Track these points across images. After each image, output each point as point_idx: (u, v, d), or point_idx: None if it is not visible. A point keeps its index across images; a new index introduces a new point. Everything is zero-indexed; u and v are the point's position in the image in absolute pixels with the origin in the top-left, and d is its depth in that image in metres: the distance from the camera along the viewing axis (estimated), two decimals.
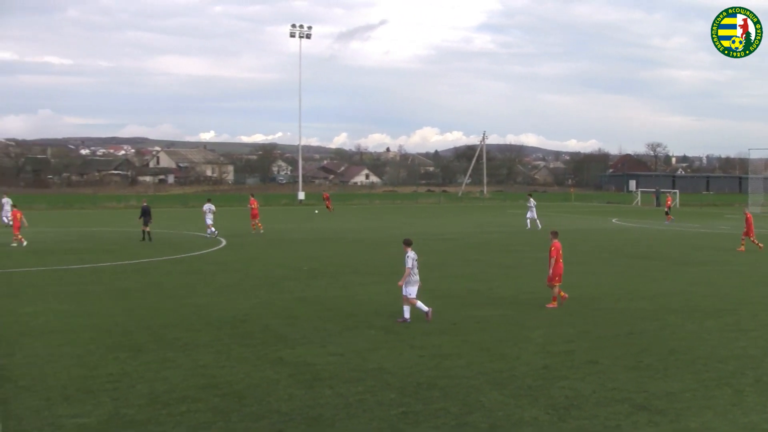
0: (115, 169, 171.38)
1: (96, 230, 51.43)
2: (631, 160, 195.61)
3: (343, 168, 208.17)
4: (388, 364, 15.06)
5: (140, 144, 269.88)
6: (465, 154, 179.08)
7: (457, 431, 11.29)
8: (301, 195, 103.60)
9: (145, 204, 43.63)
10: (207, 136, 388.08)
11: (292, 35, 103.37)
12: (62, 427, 11.27)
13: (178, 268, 31.03)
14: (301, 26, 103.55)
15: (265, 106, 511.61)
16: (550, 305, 21.54)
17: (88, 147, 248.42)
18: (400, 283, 19.42)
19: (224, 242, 41.72)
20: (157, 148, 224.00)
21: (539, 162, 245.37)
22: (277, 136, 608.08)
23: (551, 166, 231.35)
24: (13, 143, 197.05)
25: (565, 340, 17.40)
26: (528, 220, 53.69)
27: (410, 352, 16.11)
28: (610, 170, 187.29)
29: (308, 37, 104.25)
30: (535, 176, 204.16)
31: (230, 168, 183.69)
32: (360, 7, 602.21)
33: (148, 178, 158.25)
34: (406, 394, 13.02)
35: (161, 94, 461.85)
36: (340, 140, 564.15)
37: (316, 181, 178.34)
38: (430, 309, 19.45)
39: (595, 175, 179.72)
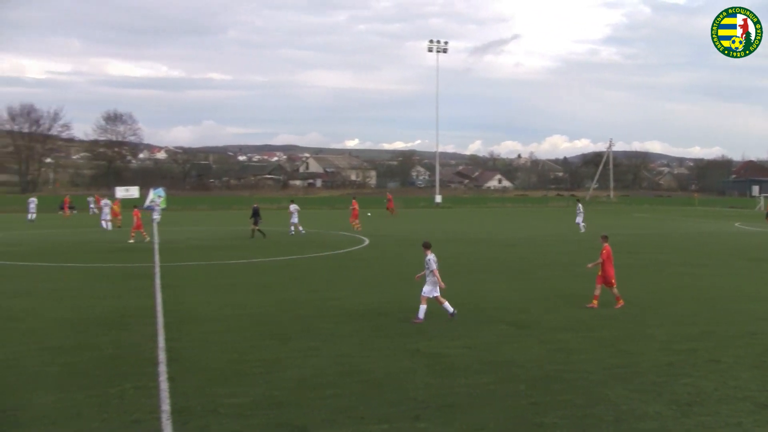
0: (269, 174, 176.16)
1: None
2: (754, 166, 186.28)
3: (477, 173, 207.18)
4: (518, 357, 14.96)
5: (291, 151, 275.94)
6: (592, 160, 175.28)
7: (582, 422, 11.13)
8: (438, 198, 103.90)
9: (255, 206, 45.42)
10: (352, 144, 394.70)
11: (430, 50, 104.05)
12: (221, 405, 11.72)
13: (324, 264, 31.64)
14: (438, 41, 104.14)
15: (405, 115, 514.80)
16: (590, 305, 20.75)
17: (245, 154, 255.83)
18: (442, 285, 18.56)
19: (367, 241, 42.24)
20: (307, 155, 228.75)
21: (664, 168, 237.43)
22: (416, 143, 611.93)
23: (675, 171, 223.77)
24: (180, 151, 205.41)
25: (687, 339, 16.85)
26: (580, 225, 52.02)
27: (538, 347, 15.96)
28: (733, 176, 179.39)
29: (444, 51, 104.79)
30: (660, 181, 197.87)
31: (373, 173, 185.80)
32: (491, 24, 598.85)
33: (298, 182, 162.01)
34: (533, 385, 12.91)
35: (310, 105, 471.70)
36: (475, 147, 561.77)
37: (452, 185, 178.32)
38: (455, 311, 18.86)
39: (718, 181, 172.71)
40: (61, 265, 30.29)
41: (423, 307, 18.46)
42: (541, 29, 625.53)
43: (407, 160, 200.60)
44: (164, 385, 12.77)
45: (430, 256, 18.59)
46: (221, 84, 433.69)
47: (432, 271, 18.44)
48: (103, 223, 53.20)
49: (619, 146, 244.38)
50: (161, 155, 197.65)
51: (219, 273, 28.12)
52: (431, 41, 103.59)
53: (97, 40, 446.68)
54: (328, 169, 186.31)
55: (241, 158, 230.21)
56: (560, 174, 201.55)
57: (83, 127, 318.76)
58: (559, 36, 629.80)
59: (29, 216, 62.80)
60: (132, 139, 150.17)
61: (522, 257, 34.30)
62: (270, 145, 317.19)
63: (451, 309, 18.76)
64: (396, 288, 24.35)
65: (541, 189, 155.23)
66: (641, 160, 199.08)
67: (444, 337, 16.89)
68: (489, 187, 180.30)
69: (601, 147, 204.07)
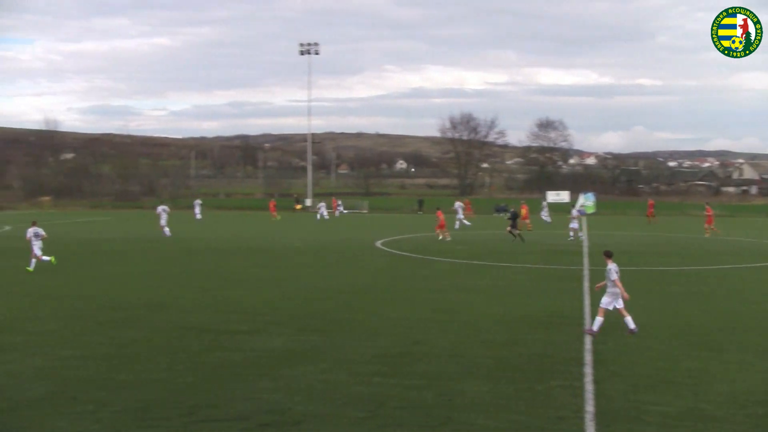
0: (700, 180, 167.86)
1: (679, 236, 50.93)
2: None
3: None
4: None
5: (724, 156, 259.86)
6: None
7: None
8: None
9: (512, 210, 46.91)
10: None
11: None
12: (646, 412, 11.45)
13: (758, 275, 29.39)
14: None
15: None
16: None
17: (676, 159, 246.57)
18: (626, 296, 17.43)
19: None
20: (740, 160, 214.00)
21: None
22: None
23: None
24: (610, 156, 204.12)
25: None
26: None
27: None
28: None
29: None
30: None
31: None
32: None
33: (731, 189, 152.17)
34: None
35: (744, 109, 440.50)
36: None
37: None
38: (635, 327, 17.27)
39: None
40: (498, 265, 31.79)
41: (599, 319, 17.21)
42: None
43: None
44: (589, 386, 12.81)
45: (611, 266, 17.48)
46: (651, 89, 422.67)
47: (613, 281, 17.27)
48: (457, 222, 55.60)
49: None
50: (591, 161, 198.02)
51: (647, 279, 27.42)
52: None
53: (530, 51, 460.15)
54: (764, 176, 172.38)
55: (672, 164, 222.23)
56: None
57: (517, 134, 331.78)
58: None
59: (197, 216, 69.13)
60: (563, 145, 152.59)
61: None
62: (702, 151, 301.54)
63: (632, 325, 17.26)
64: None
65: None
66: None
67: None
68: None
69: None
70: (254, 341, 16.38)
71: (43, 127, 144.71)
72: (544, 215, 63.12)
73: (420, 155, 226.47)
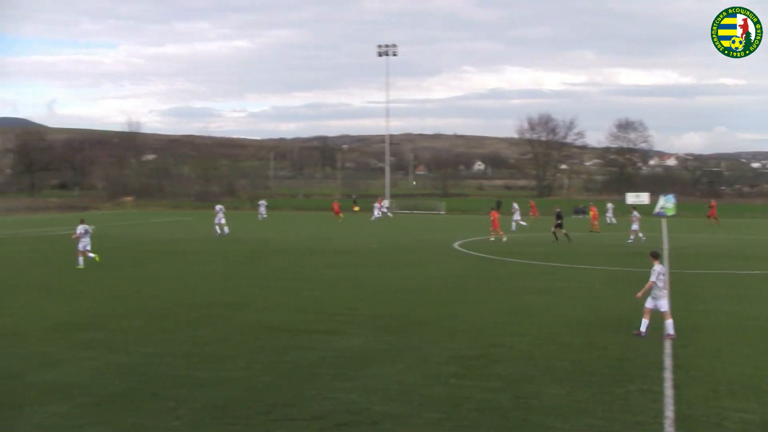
0: None
1: (763, 239, 49.34)
2: None
3: None
4: None
5: None
6: None
7: None
8: None
9: (558, 210, 45.74)
10: None
11: None
12: (727, 419, 11.15)
13: None
14: None
15: None
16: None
17: (759, 160, 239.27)
18: (638, 294, 17.50)
19: None
20: None
21: None
22: None
23: None
24: (690, 158, 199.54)
25: None
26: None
27: None
28: None
29: None
30: None
31: None
32: None
33: None
34: None
35: None
36: None
37: None
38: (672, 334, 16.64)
39: None
40: (573, 267, 31.38)
41: (645, 321, 17.07)
42: None
43: None
44: (669, 391, 12.53)
45: (657, 267, 17.03)
46: (734, 89, 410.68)
47: (653, 282, 16.92)
48: (513, 224, 54.70)
49: None
50: (671, 162, 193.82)
51: (730, 283, 26.70)
52: None
53: (609, 51, 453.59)
54: None
55: (755, 165, 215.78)
56: None
57: (596, 135, 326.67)
58: None
59: (260, 216, 70.38)
60: (642, 146, 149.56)
61: None
62: None
63: (671, 330, 16.67)
64: None
65: None
66: None
67: None
68: None
69: None
70: (332, 341, 16.52)
71: (125, 129, 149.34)
72: (609, 216, 62.66)
73: (498, 156, 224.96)
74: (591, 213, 56.15)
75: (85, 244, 30.78)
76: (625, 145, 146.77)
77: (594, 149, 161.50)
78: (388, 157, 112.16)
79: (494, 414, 11.37)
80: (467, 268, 31.53)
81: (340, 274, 28.70)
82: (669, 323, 16.90)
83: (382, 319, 19.08)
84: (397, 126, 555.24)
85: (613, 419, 11.14)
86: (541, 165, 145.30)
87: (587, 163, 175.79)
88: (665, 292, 17.26)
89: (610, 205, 65.93)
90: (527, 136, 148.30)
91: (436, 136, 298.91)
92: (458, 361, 14.66)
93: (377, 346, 16.08)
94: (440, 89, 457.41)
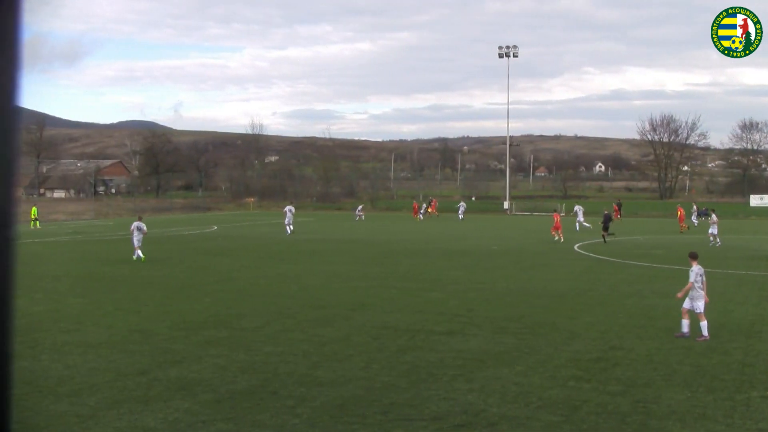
0: None
1: None
2: None
3: None
4: None
5: None
6: None
7: None
8: None
9: (606, 212, 46.31)
10: None
11: None
12: None
13: None
14: None
15: None
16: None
17: None
18: (679, 294, 17.16)
19: None
20: None
21: None
22: None
23: None
24: None
25: None
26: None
27: None
28: None
29: None
30: None
31: None
32: None
33: None
34: None
35: None
36: None
37: None
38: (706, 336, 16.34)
39: None
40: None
41: (685, 322, 16.77)
42: None
43: None
44: None
45: (695, 268, 16.56)
46: None
47: (691, 283, 16.48)
48: (577, 225, 54.35)
49: None
50: None
51: None
52: None
53: None
54: None
55: None
56: None
57: (719, 136, 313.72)
58: None
59: (356, 218, 71.19)
60: (767, 147, 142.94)
61: None
62: None
63: (705, 331, 16.14)
64: None
65: None
66: None
67: None
68: None
69: None
70: (450, 342, 16.67)
71: (249, 131, 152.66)
72: (694, 219, 60.96)
73: (619, 158, 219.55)
74: (678, 213, 54.90)
75: (138, 240, 32.13)
76: (749, 146, 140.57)
77: (717, 150, 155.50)
78: (508, 159, 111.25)
79: (613, 418, 11.27)
80: (588, 270, 31.06)
81: (461, 276, 28.79)
82: (703, 325, 16.58)
83: (501, 321, 19.11)
84: (518, 127, 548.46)
85: (733, 425, 10.87)
86: (663, 167, 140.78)
87: (710, 165, 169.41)
88: (702, 293, 16.89)
89: (695, 207, 64.17)
90: (649, 137, 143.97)
91: (557, 138, 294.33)
92: (577, 363, 14.56)
93: (496, 347, 16.13)
94: (561, 90, 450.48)
